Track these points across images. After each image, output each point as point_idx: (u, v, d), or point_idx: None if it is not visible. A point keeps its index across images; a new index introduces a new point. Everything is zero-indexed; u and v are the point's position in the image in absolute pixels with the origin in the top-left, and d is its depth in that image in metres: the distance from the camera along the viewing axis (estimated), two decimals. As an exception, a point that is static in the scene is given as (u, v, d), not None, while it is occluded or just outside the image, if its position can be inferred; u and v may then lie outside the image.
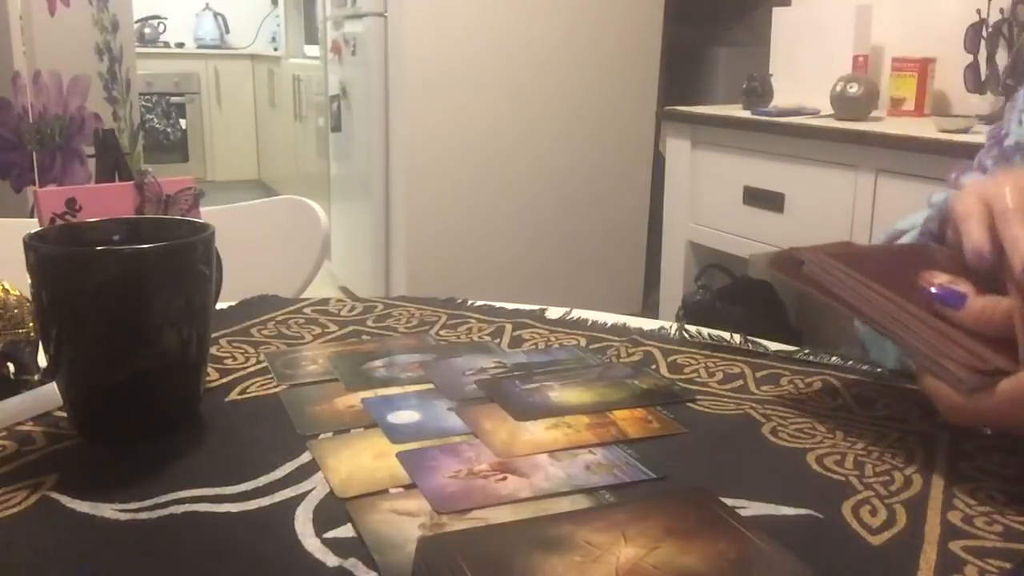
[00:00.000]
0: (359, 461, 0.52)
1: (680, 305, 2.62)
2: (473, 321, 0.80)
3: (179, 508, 0.46)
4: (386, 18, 3.21)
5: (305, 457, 0.53)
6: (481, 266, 3.31)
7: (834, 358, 0.70)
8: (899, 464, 0.52)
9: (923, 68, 2.27)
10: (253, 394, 0.62)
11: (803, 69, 2.54)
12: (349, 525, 0.45)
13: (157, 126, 5.90)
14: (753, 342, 0.74)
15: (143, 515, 0.46)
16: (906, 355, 0.50)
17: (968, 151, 1.79)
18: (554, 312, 0.82)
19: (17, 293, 0.63)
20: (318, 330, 0.77)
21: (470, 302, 0.85)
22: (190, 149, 6.04)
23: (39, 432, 0.56)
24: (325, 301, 0.86)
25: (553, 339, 0.75)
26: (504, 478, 0.50)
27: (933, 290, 0.51)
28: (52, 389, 0.57)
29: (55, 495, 0.48)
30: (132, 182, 0.88)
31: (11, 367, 0.62)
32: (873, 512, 0.47)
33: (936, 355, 0.49)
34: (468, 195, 3.26)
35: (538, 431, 0.56)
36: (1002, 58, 2.11)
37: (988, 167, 0.77)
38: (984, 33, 2.13)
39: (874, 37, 2.46)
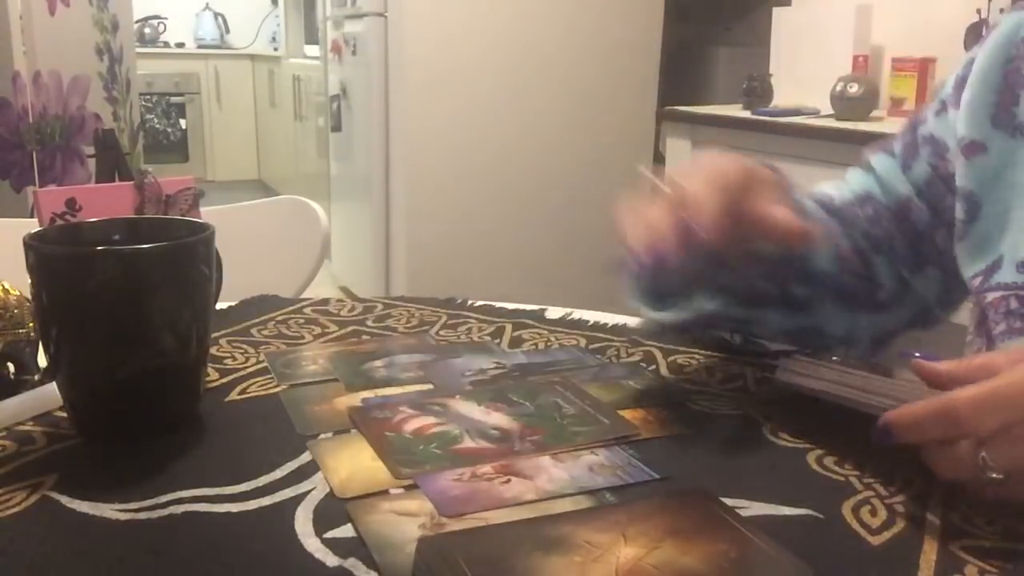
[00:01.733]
0: (359, 461, 0.52)
1: (680, 305, 2.62)
2: (473, 321, 0.80)
3: (179, 508, 0.46)
4: (386, 18, 3.21)
5: (305, 457, 0.53)
6: (481, 266, 3.31)
7: (834, 358, 0.70)
8: (899, 464, 0.52)
9: (923, 68, 2.27)
10: (253, 394, 0.62)
11: (803, 69, 2.54)
12: (349, 525, 0.45)
13: (157, 126, 5.90)
14: (753, 342, 0.74)
15: (143, 515, 0.46)
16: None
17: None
18: (554, 312, 0.82)
19: (17, 293, 0.63)
20: (318, 330, 0.77)
21: (470, 302, 0.85)
22: (190, 149, 6.04)
23: (39, 432, 0.56)
24: (325, 301, 0.86)
25: (553, 339, 0.75)
26: (508, 480, 0.50)
27: (916, 354, 0.53)
28: (52, 389, 0.57)
29: (55, 495, 0.48)
30: (132, 182, 0.88)
31: (11, 367, 0.62)
32: (873, 512, 0.47)
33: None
34: (468, 195, 3.26)
35: (538, 431, 0.56)
36: (1002, 58, 2.11)
37: (896, 152, 0.78)
38: (984, 33, 2.13)
39: (874, 37, 2.46)
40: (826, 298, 0.70)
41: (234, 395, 0.62)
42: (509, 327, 0.78)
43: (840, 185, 0.80)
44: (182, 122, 6.02)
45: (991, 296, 0.66)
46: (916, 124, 0.78)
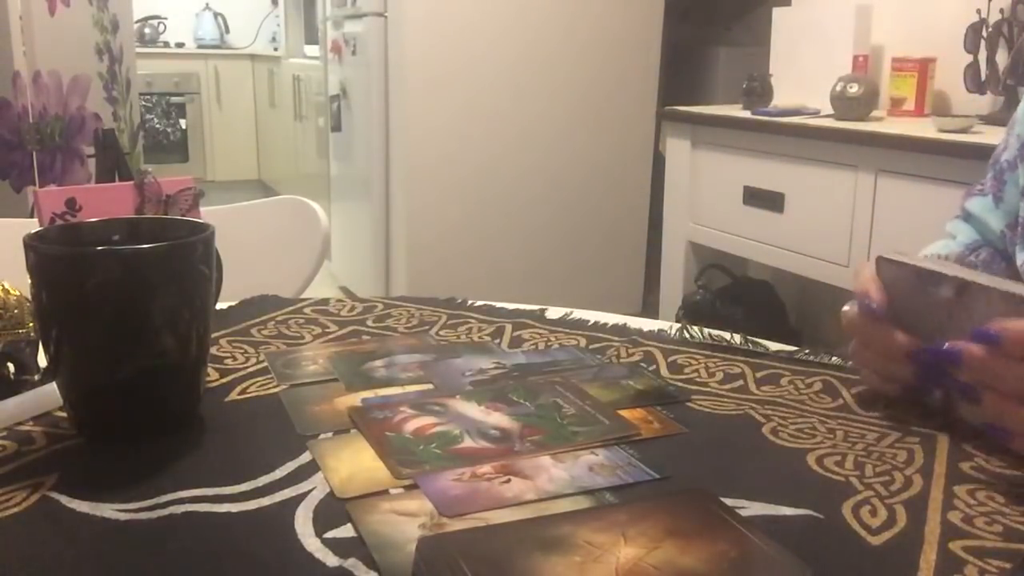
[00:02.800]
0: (359, 461, 0.52)
1: (680, 305, 2.62)
2: (473, 321, 0.80)
3: (179, 508, 0.46)
4: (386, 18, 3.21)
5: (305, 457, 0.53)
6: (481, 266, 3.31)
7: (834, 358, 0.70)
8: (899, 464, 0.52)
9: (923, 68, 2.27)
10: (253, 394, 0.62)
11: (803, 69, 2.54)
12: (349, 525, 0.45)
13: (157, 126, 5.90)
14: (753, 342, 0.74)
15: (143, 515, 0.46)
16: None
17: (967, 151, 1.78)
18: (554, 312, 0.82)
19: (17, 293, 0.63)
20: (318, 330, 0.77)
21: (470, 302, 0.85)
22: (190, 149, 6.04)
23: (39, 432, 0.56)
24: (325, 301, 0.86)
25: (553, 339, 0.75)
26: (508, 480, 0.50)
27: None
28: (52, 389, 0.57)
29: (55, 495, 0.48)
30: (132, 182, 0.88)
31: (11, 367, 0.62)
32: (873, 512, 0.47)
33: None
34: (468, 195, 3.26)
35: (538, 431, 0.56)
36: (1002, 58, 2.11)
37: (987, 189, 0.82)
38: (984, 33, 2.12)
39: (874, 37, 2.46)
40: None
41: (234, 395, 0.62)
42: (509, 327, 0.78)
43: (948, 243, 0.83)
44: (182, 122, 6.02)
45: None
46: (998, 155, 0.80)
